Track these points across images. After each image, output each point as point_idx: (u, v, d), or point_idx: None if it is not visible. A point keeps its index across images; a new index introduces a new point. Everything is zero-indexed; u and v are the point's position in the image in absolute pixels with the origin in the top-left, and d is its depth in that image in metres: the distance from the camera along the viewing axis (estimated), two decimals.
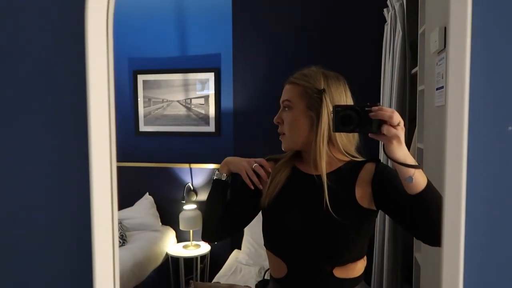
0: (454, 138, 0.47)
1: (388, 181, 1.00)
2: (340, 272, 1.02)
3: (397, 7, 2.09)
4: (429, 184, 0.87)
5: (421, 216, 0.87)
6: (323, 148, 1.02)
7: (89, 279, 0.59)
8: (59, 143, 0.66)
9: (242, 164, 1.13)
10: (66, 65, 0.66)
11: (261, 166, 1.13)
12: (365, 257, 1.08)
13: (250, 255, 2.74)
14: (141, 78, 3.39)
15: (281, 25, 2.94)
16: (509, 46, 0.52)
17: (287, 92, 1.08)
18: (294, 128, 1.06)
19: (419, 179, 0.85)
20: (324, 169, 1.02)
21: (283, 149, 1.12)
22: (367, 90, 2.47)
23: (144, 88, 3.40)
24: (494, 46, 0.51)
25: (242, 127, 3.07)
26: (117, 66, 3.49)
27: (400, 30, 2.07)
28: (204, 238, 1.22)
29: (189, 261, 2.99)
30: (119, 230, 2.84)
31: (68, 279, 0.69)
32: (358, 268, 1.06)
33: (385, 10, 2.42)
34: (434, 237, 0.74)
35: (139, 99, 3.41)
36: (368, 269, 2.31)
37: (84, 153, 0.58)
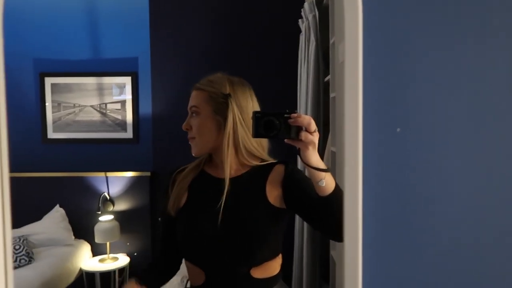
0: (351, 141, 0.51)
1: (297, 182, 1.07)
2: (257, 273, 1.05)
3: (310, 18, 2.20)
4: (337, 186, 0.94)
5: (329, 215, 0.94)
6: (228, 151, 1.06)
7: None
8: None
9: None
10: None
11: None
12: (280, 255, 1.12)
13: None
14: (49, 81, 3.13)
15: (199, 30, 2.93)
16: (396, 63, 0.58)
17: (194, 98, 1.11)
18: (202, 132, 1.08)
19: (329, 182, 0.92)
20: (227, 171, 1.06)
21: (193, 154, 1.12)
22: (284, 97, 2.56)
23: (52, 92, 3.14)
24: (383, 60, 0.57)
25: (162, 133, 2.99)
26: (19, 67, 3.18)
27: (314, 41, 2.18)
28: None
29: (106, 275, 2.82)
30: (24, 247, 2.58)
31: None
32: (274, 266, 1.09)
33: (299, 20, 2.54)
34: (340, 234, 0.83)
35: (47, 103, 3.15)
36: (288, 268, 2.40)
37: None
